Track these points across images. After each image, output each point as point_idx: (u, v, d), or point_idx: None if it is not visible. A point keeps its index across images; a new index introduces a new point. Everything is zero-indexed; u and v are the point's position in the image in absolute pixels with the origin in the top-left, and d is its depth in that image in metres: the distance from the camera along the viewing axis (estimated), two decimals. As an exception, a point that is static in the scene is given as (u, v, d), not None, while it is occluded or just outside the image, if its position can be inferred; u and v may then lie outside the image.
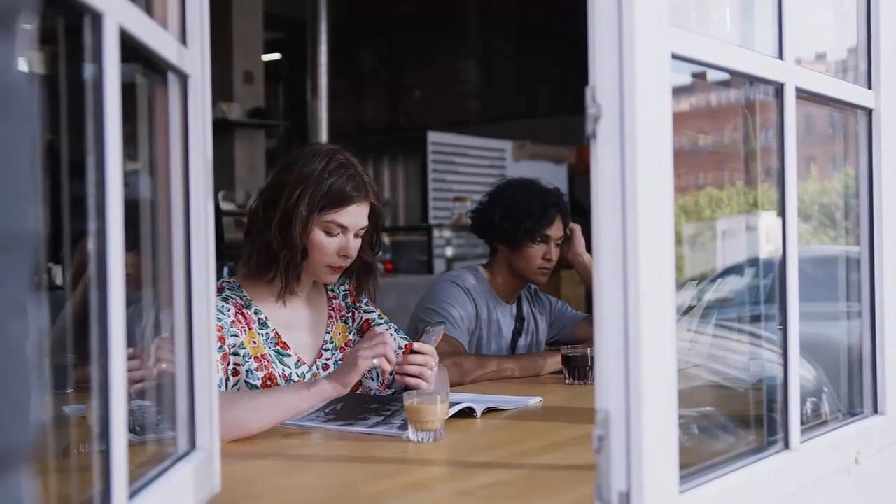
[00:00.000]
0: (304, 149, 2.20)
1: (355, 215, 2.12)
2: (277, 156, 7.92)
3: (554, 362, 2.76)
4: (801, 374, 1.52)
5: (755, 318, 1.82)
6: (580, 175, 8.03)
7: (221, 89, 7.00)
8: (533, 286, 3.11)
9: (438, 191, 8.14)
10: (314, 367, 2.20)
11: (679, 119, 1.21)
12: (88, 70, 0.98)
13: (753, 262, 1.86)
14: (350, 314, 2.33)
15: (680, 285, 1.23)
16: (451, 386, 2.54)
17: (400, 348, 2.28)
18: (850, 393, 1.81)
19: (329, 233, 2.11)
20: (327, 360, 2.23)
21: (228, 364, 2.04)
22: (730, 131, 1.92)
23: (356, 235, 2.15)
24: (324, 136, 7.13)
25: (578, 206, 5.67)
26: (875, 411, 1.76)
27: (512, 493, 1.48)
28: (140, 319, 1.37)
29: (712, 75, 1.51)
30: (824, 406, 1.75)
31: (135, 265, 1.20)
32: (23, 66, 0.59)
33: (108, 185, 0.97)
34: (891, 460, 1.77)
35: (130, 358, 1.12)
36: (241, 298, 2.14)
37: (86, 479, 1.02)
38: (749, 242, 1.88)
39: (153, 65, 1.23)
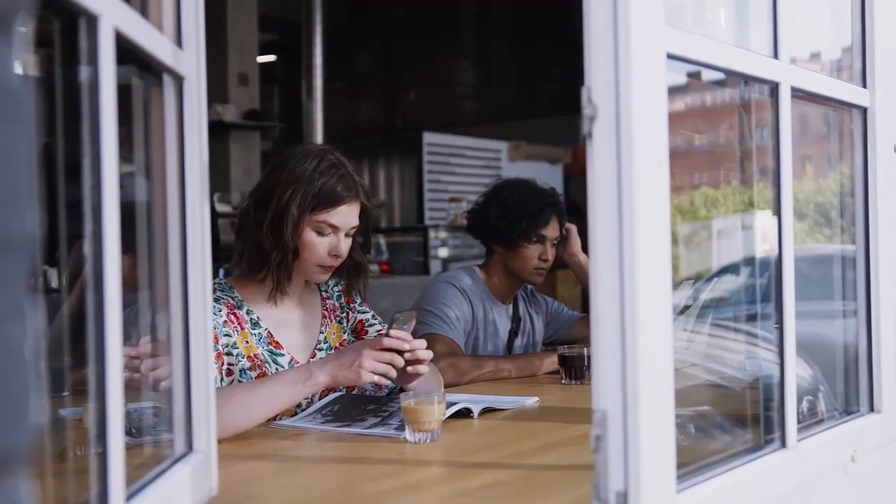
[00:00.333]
0: (294, 149, 2.20)
1: (346, 215, 2.13)
2: (273, 157, 7.91)
3: (550, 362, 2.77)
4: (797, 372, 1.52)
5: (751, 318, 1.83)
6: (575, 175, 8.04)
7: (217, 91, 7.00)
8: (529, 286, 3.11)
9: (434, 191, 8.15)
10: None
11: (674, 119, 1.21)
12: (84, 72, 0.98)
13: (749, 261, 1.86)
14: (344, 314, 2.33)
15: (676, 285, 1.23)
16: (448, 387, 2.55)
17: None
18: (847, 391, 1.81)
19: (320, 233, 2.12)
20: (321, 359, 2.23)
21: (222, 364, 2.05)
22: (725, 131, 1.92)
23: (347, 235, 2.16)
24: (319, 138, 7.12)
25: (574, 207, 5.68)
26: (871, 409, 1.76)
27: (509, 494, 1.48)
28: (136, 322, 1.37)
29: (707, 75, 1.51)
30: (820, 405, 1.76)
31: (131, 267, 1.20)
32: (19, 68, 0.59)
33: (105, 187, 0.97)
34: (887, 458, 1.77)
35: (135, 356, 1.12)
36: (232, 299, 2.14)
37: (83, 482, 1.01)
38: (744, 242, 1.89)
39: (149, 67, 1.23)
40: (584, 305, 4.63)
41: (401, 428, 1.85)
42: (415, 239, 7.57)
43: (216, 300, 2.10)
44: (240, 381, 2.07)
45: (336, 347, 2.27)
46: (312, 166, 2.10)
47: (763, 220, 1.68)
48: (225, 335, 2.07)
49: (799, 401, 1.54)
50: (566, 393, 2.51)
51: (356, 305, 2.35)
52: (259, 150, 7.62)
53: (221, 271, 4.11)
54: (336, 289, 2.34)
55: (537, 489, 1.51)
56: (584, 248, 3.00)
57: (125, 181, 1.04)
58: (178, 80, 1.31)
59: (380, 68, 10.31)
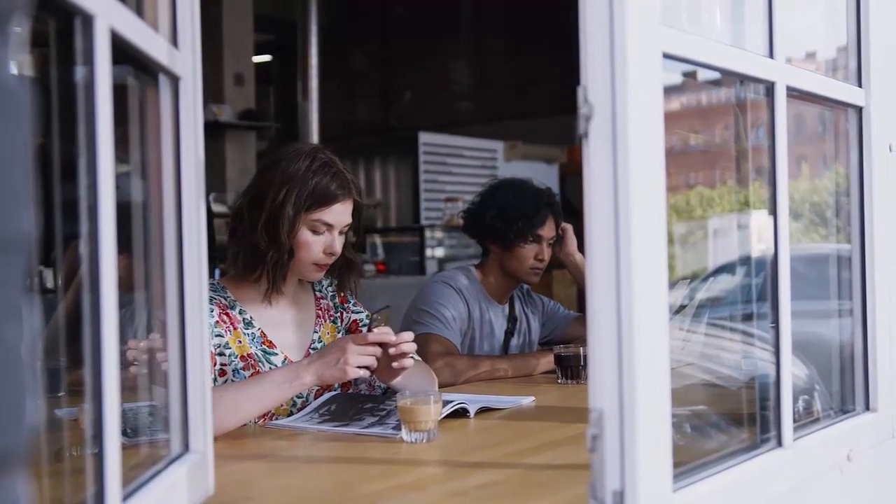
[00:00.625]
0: (285, 149, 2.21)
1: (340, 213, 2.15)
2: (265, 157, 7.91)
3: (546, 362, 2.77)
4: (793, 372, 1.52)
5: (747, 317, 1.83)
6: (571, 175, 8.04)
7: (212, 91, 6.99)
8: (525, 286, 3.11)
9: (430, 191, 8.14)
10: None
11: (670, 118, 1.21)
12: (80, 72, 0.98)
13: (745, 260, 1.86)
14: (338, 314, 2.34)
15: (671, 284, 1.23)
16: (444, 386, 2.55)
17: None
18: (842, 390, 1.81)
19: (315, 231, 2.13)
20: None
21: (215, 364, 2.05)
22: (720, 130, 1.92)
23: (341, 233, 2.18)
24: (315, 138, 7.12)
25: (569, 206, 5.69)
26: (867, 408, 1.76)
27: (506, 493, 1.49)
28: (132, 322, 1.37)
29: (702, 74, 1.51)
30: (816, 404, 1.76)
31: (126, 268, 1.20)
32: (15, 68, 0.59)
33: (100, 187, 0.97)
34: (883, 457, 1.77)
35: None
36: (225, 299, 2.15)
37: (79, 482, 1.01)
38: (740, 241, 1.89)
39: (144, 67, 1.23)
40: (580, 305, 4.63)
41: (398, 427, 1.85)
42: (411, 239, 7.56)
43: (208, 300, 2.10)
44: (233, 381, 2.07)
45: None
46: (305, 166, 2.11)
47: (759, 219, 1.68)
48: (217, 335, 2.07)
49: (795, 400, 1.54)
50: (562, 392, 2.51)
51: (350, 305, 2.36)
52: (255, 150, 7.61)
53: (217, 271, 4.11)
54: (330, 289, 2.35)
55: (534, 489, 1.51)
56: (581, 248, 3.00)
57: (121, 181, 1.04)
58: (174, 80, 1.31)
59: (376, 68, 10.31)
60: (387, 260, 7.40)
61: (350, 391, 2.24)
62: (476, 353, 2.91)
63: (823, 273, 1.96)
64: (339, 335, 2.31)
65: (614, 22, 1.12)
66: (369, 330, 2.04)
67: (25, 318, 0.58)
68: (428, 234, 7.44)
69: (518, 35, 9.41)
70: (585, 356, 2.58)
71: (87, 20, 0.96)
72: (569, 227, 3.05)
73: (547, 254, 2.94)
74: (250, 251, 2.13)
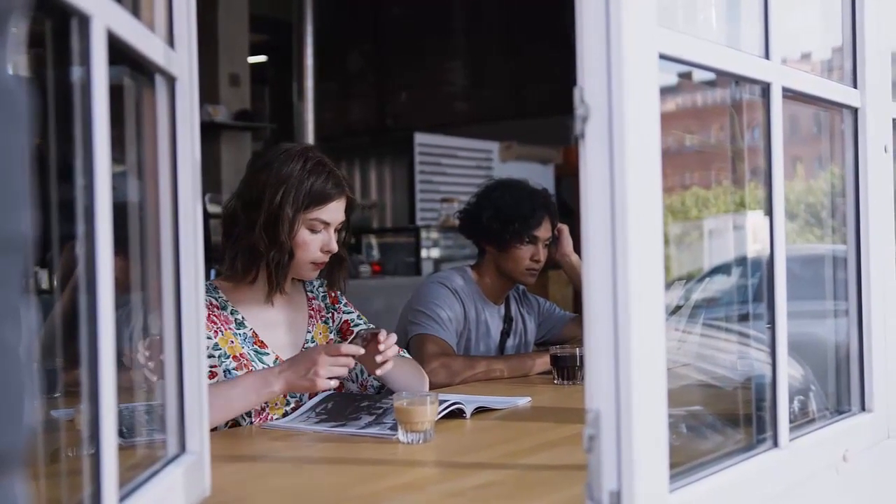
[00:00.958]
0: (275, 151, 2.23)
1: (336, 211, 2.19)
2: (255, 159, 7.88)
3: (542, 362, 2.77)
4: (788, 372, 1.52)
5: (743, 318, 1.83)
6: (567, 176, 8.05)
7: (207, 92, 6.98)
8: (521, 287, 3.11)
9: (425, 192, 8.14)
10: None
11: (665, 119, 1.21)
12: (76, 73, 0.98)
13: (740, 261, 1.86)
14: (329, 315, 2.36)
15: (667, 285, 1.23)
16: (440, 387, 2.55)
17: None
18: (838, 391, 1.82)
19: (313, 230, 2.16)
20: None
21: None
22: (716, 131, 1.93)
23: (336, 230, 2.21)
24: (310, 138, 7.12)
25: (565, 207, 5.69)
26: (863, 409, 1.77)
27: (503, 494, 1.49)
28: (128, 323, 1.37)
29: (697, 75, 1.52)
30: (812, 404, 1.76)
31: (122, 269, 1.20)
32: (13, 69, 0.59)
33: (97, 188, 0.97)
34: (878, 458, 1.78)
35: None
36: (215, 300, 2.16)
37: (75, 483, 1.01)
38: (736, 242, 1.89)
39: (140, 67, 1.23)
40: (576, 305, 4.63)
41: (395, 426, 1.85)
42: (406, 239, 7.56)
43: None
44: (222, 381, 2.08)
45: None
46: (300, 166, 2.14)
47: (754, 220, 1.69)
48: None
49: (790, 400, 1.55)
50: (558, 393, 2.51)
51: (341, 306, 2.38)
52: (250, 150, 7.60)
53: (213, 272, 4.11)
54: (321, 289, 2.37)
55: (530, 489, 1.51)
56: (576, 249, 3.00)
57: (117, 182, 1.04)
58: (171, 81, 1.31)
59: (371, 69, 10.30)
60: (382, 260, 7.40)
61: (343, 391, 2.24)
62: (472, 354, 2.91)
63: (819, 273, 1.97)
64: (331, 335, 2.33)
65: (611, 23, 1.12)
66: (363, 342, 2.04)
67: (24, 319, 0.58)
68: (423, 234, 7.44)
69: (513, 35, 9.42)
70: (581, 357, 2.60)
71: (84, 21, 0.96)
72: (565, 228, 3.05)
73: (543, 255, 2.94)
74: (248, 253, 2.14)
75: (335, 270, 2.30)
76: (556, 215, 3.00)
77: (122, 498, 1.04)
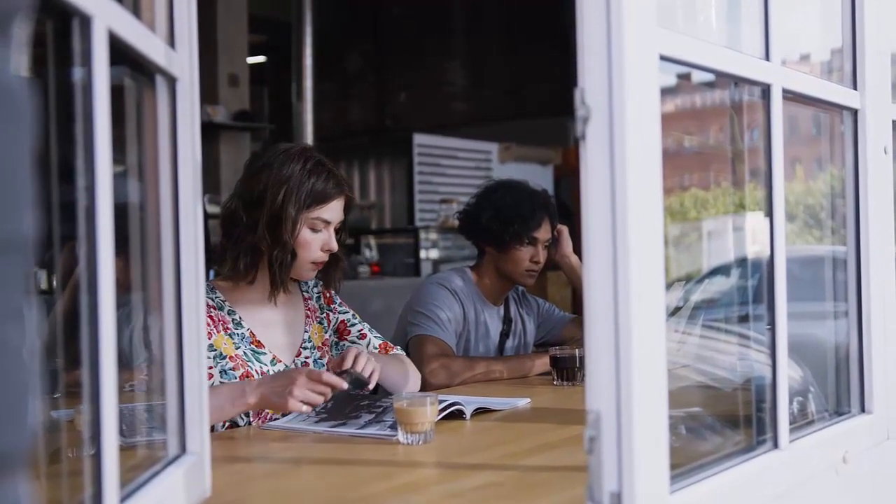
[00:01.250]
0: (273, 151, 2.24)
1: (336, 210, 2.21)
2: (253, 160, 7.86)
3: (542, 363, 2.77)
4: (787, 373, 1.52)
5: (742, 319, 1.83)
6: (566, 177, 8.05)
7: (206, 92, 6.97)
8: (520, 287, 3.11)
9: (425, 193, 8.14)
10: (292, 366, 2.24)
11: (664, 120, 1.21)
12: (77, 73, 0.98)
13: (739, 262, 1.86)
14: (324, 315, 2.38)
15: (666, 286, 1.23)
16: (440, 388, 2.55)
17: (375, 348, 2.38)
18: (838, 392, 1.82)
19: (314, 229, 2.18)
20: (306, 358, 2.28)
21: None
22: (714, 132, 1.93)
23: (335, 230, 2.23)
24: (309, 139, 7.12)
25: (564, 208, 5.68)
26: (862, 410, 1.77)
27: (503, 495, 1.49)
28: (128, 323, 1.37)
29: (696, 76, 1.52)
30: (811, 405, 1.76)
31: (122, 269, 1.20)
32: (18, 69, 0.59)
33: (98, 188, 0.97)
34: (878, 459, 1.78)
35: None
36: (212, 300, 2.16)
37: (76, 484, 1.01)
38: (735, 243, 1.89)
39: (141, 68, 1.23)
40: (575, 306, 4.63)
41: (395, 425, 1.85)
42: (405, 240, 7.55)
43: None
44: (221, 382, 2.09)
45: (319, 346, 2.32)
46: (300, 166, 2.16)
47: (753, 221, 1.69)
48: None
49: (789, 402, 1.55)
50: (558, 394, 2.51)
51: (336, 306, 2.40)
52: (249, 151, 7.59)
53: (212, 272, 4.11)
54: (315, 290, 2.39)
55: (530, 490, 1.51)
56: (576, 250, 3.00)
57: (117, 182, 1.04)
58: (171, 81, 1.31)
59: (370, 69, 10.30)
60: (381, 261, 7.39)
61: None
62: (471, 355, 2.91)
63: (818, 275, 1.97)
64: (327, 335, 2.35)
65: (611, 24, 1.12)
66: (350, 380, 1.98)
67: (27, 320, 0.58)
68: (422, 235, 7.44)
69: (512, 36, 9.42)
70: (581, 358, 2.60)
71: (85, 21, 0.96)
72: (564, 229, 3.05)
73: (542, 256, 2.94)
74: (250, 253, 2.15)
75: (331, 270, 2.31)
76: (555, 216, 3.00)
77: (123, 499, 1.04)
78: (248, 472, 1.68)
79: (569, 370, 2.60)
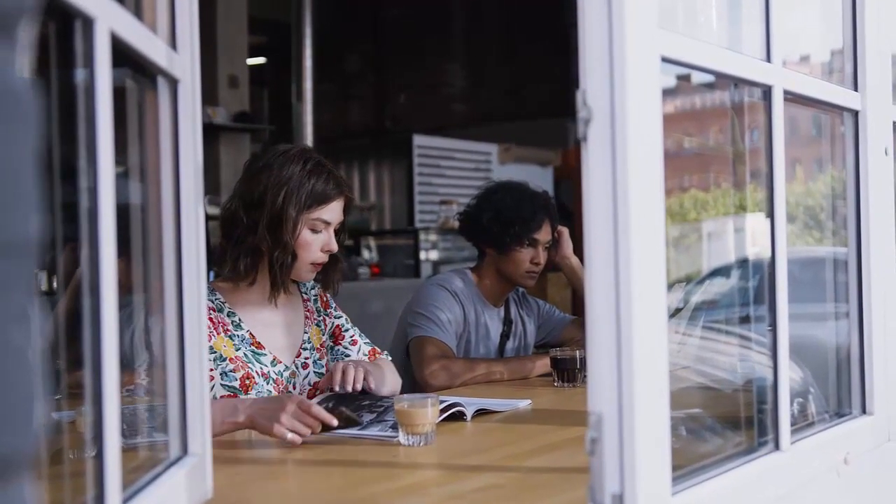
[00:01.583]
0: (272, 152, 2.25)
1: (336, 211, 2.22)
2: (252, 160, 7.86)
3: (542, 365, 2.77)
4: (788, 374, 1.52)
5: (742, 320, 1.83)
6: (565, 178, 8.04)
7: (206, 93, 6.92)
8: (520, 289, 3.11)
9: (424, 194, 8.13)
10: (292, 366, 2.26)
11: (664, 121, 1.22)
12: (79, 75, 0.98)
13: (739, 264, 1.86)
14: (321, 318, 2.39)
15: (667, 287, 1.23)
16: (440, 389, 2.55)
17: (364, 355, 2.39)
18: (839, 394, 1.82)
19: (314, 230, 2.19)
20: (306, 359, 2.29)
21: None
22: (714, 133, 1.93)
23: (335, 230, 2.23)
24: (309, 140, 7.11)
25: (564, 209, 5.69)
26: (863, 412, 1.77)
27: (504, 497, 1.49)
28: (130, 323, 1.37)
29: (696, 77, 1.52)
30: (811, 407, 1.76)
31: (124, 271, 1.20)
32: (23, 71, 0.59)
33: (101, 190, 0.97)
34: (879, 460, 1.78)
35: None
36: (212, 302, 2.16)
37: (78, 485, 1.01)
38: (735, 244, 1.89)
39: (143, 69, 1.23)
40: (575, 307, 4.63)
41: (396, 426, 1.84)
42: (405, 241, 7.55)
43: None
44: (223, 384, 2.11)
45: (317, 348, 2.33)
46: (300, 167, 2.17)
47: (753, 222, 1.69)
48: None
49: (790, 403, 1.55)
50: (559, 395, 2.51)
51: (332, 310, 2.42)
52: (249, 152, 7.59)
53: (212, 274, 4.11)
54: (313, 292, 2.40)
55: (532, 492, 1.51)
56: (576, 251, 3.00)
57: (118, 183, 1.04)
58: (173, 83, 1.31)
59: (369, 70, 10.30)
60: (381, 263, 7.39)
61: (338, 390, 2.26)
62: (471, 357, 2.91)
63: (818, 276, 1.97)
64: (324, 338, 2.37)
65: (613, 25, 1.12)
66: (340, 416, 1.90)
67: (32, 321, 0.58)
68: (422, 236, 7.44)
69: (512, 37, 9.42)
70: (581, 359, 2.60)
71: (88, 23, 0.96)
72: (565, 231, 3.05)
73: (543, 258, 2.94)
74: (251, 254, 2.15)
75: (330, 271, 2.32)
76: (556, 218, 3.00)
77: (125, 500, 1.04)
78: (249, 474, 1.68)
79: (569, 371, 2.60)
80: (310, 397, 2.18)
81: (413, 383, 2.76)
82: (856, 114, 1.78)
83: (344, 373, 2.11)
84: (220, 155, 7.27)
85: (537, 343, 3.14)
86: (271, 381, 2.17)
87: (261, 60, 9.27)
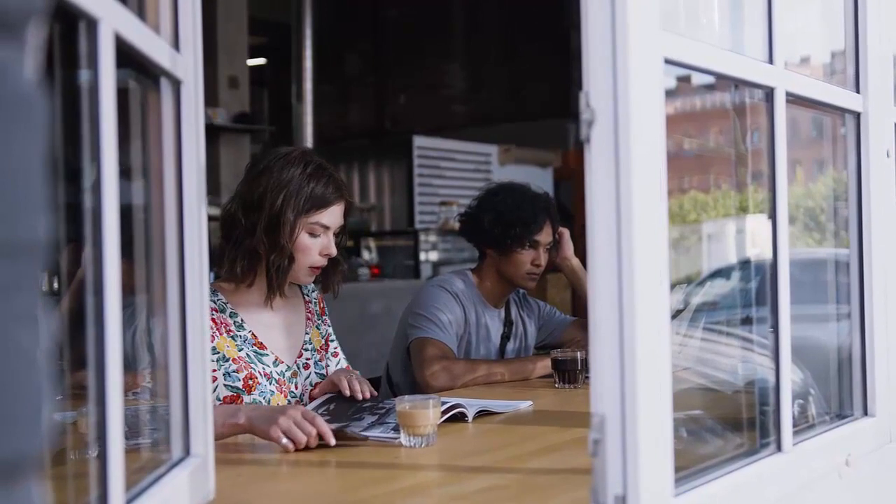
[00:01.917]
0: (273, 154, 2.24)
1: (336, 215, 2.21)
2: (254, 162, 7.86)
3: (543, 366, 2.77)
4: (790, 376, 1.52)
5: (743, 321, 1.83)
6: (565, 179, 8.05)
7: (206, 94, 6.91)
8: (521, 290, 3.11)
9: (424, 195, 8.13)
10: (294, 367, 2.26)
11: (666, 122, 1.22)
12: (83, 75, 0.98)
13: (740, 265, 1.86)
14: (321, 322, 2.40)
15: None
16: (441, 391, 2.55)
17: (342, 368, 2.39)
18: (840, 395, 1.82)
19: (313, 234, 2.18)
20: (307, 359, 2.30)
21: None
22: (714, 134, 1.93)
23: (334, 234, 2.23)
24: (309, 141, 7.12)
25: (564, 210, 5.69)
26: (865, 413, 1.77)
27: (506, 498, 1.49)
28: (132, 322, 1.37)
29: (697, 79, 1.52)
30: (811, 408, 1.76)
31: (127, 271, 1.20)
32: (31, 73, 0.59)
33: (105, 190, 0.97)
34: (881, 462, 1.78)
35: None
36: (214, 303, 2.17)
37: (80, 486, 1.01)
38: (736, 246, 1.89)
39: (146, 70, 1.23)
40: (575, 309, 4.63)
41: (398, 427, 1.84)
42: (405, 243, 7.55)
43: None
44: (226, 385, 2.11)
45: (318, 349, 2.33)
46: (300, 171, 2.16)
47: (753, 224, 1.69)
48: None
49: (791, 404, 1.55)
50: (560, 397, 2.51)
51: (326, 318, 2.43)
52: (249, 153, 7.58)
53: (212, 275, 4.11)
54: (314, 294, 2.40)
55: (534, 493, 1.51)
56: (577, 252, 3.00)
57: (121, 184, 1.04)
58: (176, 84, 1.31)
59: (369, 71, 10.31)
60: (381, 264, 7.39)
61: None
62: (472, 358, 2.91)
63: (819, 277, 1.97)
64: (322, 340, 2.37)
65: (616, 27, 1.12)
66: (338, 430, 1.87)
67: (40, 323, 0.58)
68: (422, 237, 7.43)
69: (512, 38, 9.42)
70: (582, 360, 2.60)
71: (92, 24, 0.96)
72: (565, 232, 3.05)
73: (544, 259, 2.93)
74: (249, 256, 2.15)
75: (330, 274, 2.32)
76: (557, 220, 2.99)
77: (129, 501, 1.04)
78: (251, 475, 1.68)
79: (570, 373, 2.60)
80: (310, 397, 2.18)
81: (414, 384, 2.76)
82: (858, 116, 1.78)
83: (350, 382, 2.11)
84: (220, 156, 7.27)
85: (538, 344, 3.14)
86: (273, 382, 2.18)
87: (261, 61, 9.27)
